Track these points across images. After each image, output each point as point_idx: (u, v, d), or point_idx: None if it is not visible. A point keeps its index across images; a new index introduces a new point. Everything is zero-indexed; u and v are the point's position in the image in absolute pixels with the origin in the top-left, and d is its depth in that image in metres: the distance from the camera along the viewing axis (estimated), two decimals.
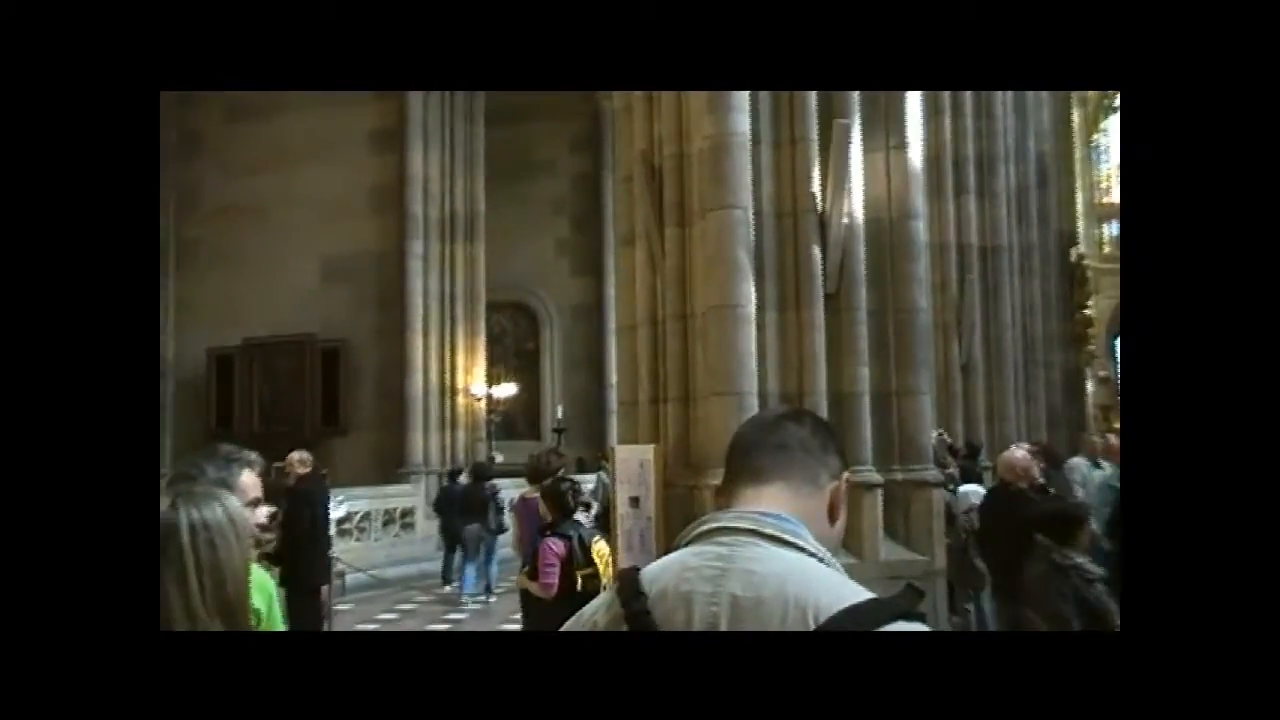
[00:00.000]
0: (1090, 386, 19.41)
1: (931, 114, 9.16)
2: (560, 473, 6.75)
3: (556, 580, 5.64)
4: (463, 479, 13.78)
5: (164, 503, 1.69)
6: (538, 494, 6.49)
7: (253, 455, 2.56)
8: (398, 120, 17.08)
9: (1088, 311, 17.15)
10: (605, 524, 7.34)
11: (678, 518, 5.33)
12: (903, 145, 5.42)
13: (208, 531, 1.64)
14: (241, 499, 2.38)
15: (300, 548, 8.10)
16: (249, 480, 2.47)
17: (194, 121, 18.95)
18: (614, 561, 6.19)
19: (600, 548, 5.77)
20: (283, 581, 7.77)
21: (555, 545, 5.68)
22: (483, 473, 13.20)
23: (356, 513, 13.94)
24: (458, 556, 12.79)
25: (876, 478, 5.17)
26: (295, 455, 8.89)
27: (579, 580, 5.58)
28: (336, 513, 11.41)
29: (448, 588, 12.94)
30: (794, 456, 1.52)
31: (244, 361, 18.09)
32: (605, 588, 5.34)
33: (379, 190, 17.31)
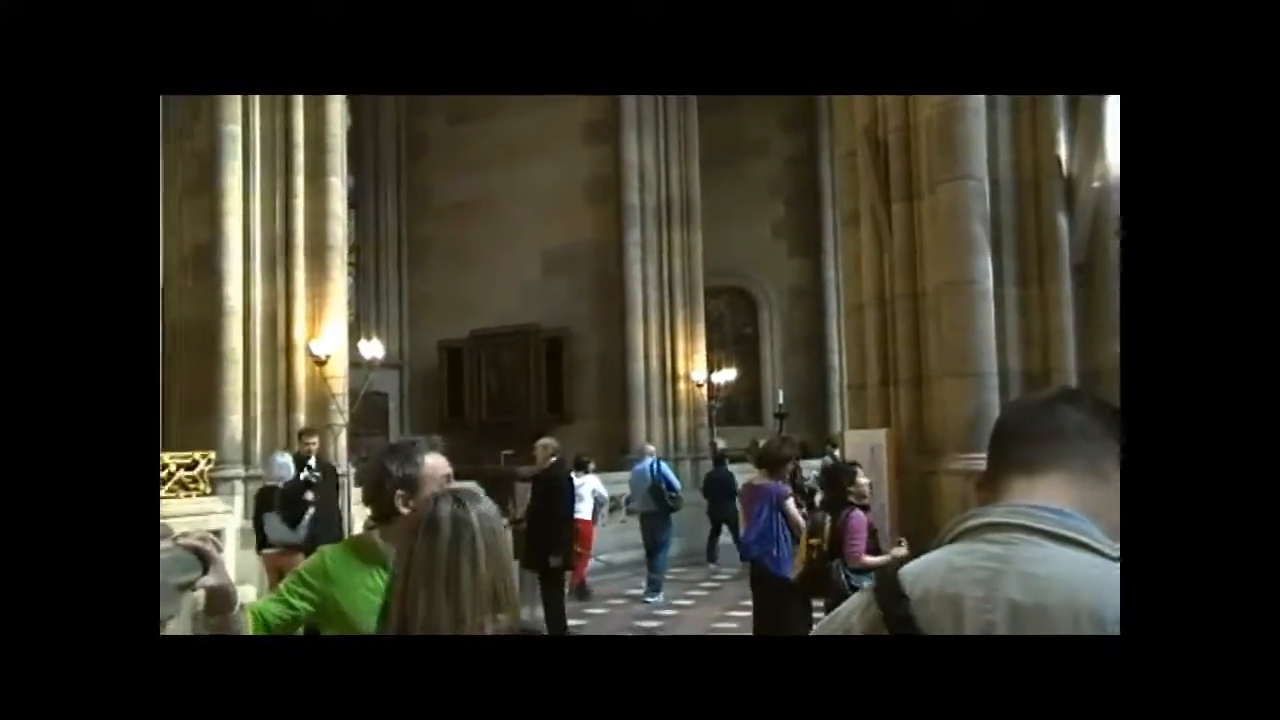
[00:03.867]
0: None
1: None
2: (790, 461, 6.59)
3: None
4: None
5: (444, 505, 1.81)
6: (765, 481, 6.42)
7: (435, 438, 2.57)
8: (611, 111, 17.32)
9: None
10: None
11: (912, 504, 5.15)
12: None
13: (489, 522, 1.78)
14: (432, 483, 2.39)
15: (546, 532, 8.21)
16: (435, 462, 2.47)
17: (421, 126, 19.88)
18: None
19: None
20: (528, 564, 7.96)
21: None
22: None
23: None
24: (724, 536, 13.39)
25: None
26: (540, 442, 8.79)
27: None
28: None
29: (711, 565, 13.50)
30: (1073, 444, 1.34)
31: (472, 353, 18.83)
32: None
33: (596, 181, 17.62)
